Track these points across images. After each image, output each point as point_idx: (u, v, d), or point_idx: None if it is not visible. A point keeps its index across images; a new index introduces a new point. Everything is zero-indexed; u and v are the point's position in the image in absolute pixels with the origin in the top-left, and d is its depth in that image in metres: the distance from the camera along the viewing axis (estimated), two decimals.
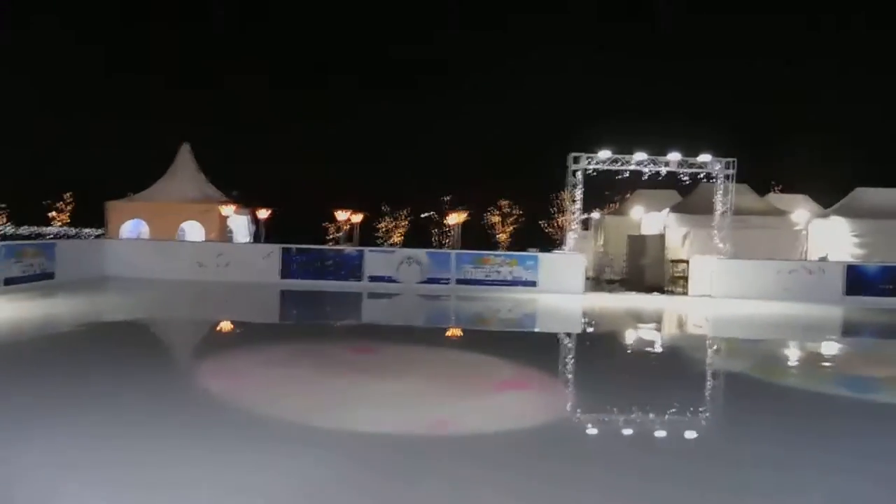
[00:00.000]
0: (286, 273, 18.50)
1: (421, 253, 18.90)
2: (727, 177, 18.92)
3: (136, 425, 5.79)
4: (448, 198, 44.80)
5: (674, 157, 18.65)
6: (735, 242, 20.44)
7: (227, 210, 25.48)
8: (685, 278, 21.41)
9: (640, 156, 18.67)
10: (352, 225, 29.41)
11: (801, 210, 25.13)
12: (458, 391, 7.63)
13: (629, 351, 12.10)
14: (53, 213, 42.44)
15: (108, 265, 17.92)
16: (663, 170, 18.91)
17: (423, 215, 42.54)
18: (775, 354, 11.85)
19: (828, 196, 28.02)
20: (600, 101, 53.44)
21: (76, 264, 16.54)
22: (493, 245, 41.32)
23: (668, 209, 25.58)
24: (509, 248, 37.17)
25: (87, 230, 39.11)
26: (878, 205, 24.85)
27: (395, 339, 11.87)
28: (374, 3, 66.28)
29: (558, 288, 18.38)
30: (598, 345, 12.61)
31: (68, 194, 42.15)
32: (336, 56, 67.69)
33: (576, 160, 19.04)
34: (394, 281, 18.45)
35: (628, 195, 33.50)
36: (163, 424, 5.87)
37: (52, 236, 36.89)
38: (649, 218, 26.75)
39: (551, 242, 42.98)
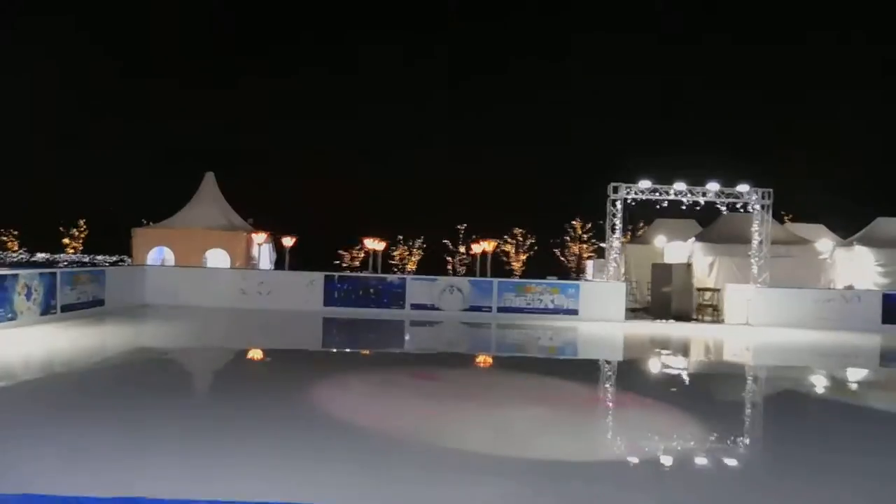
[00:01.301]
0: (329, 301, 18.52)
1: (463, 281, 18.99)
2: (763, 206, 19.14)
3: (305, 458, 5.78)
4: (463, 226, 45.23)
5: (712, 186, 18.89)
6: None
7: (259, 238, 25.51)
8: (713, 307, 21.59)
9: (679, 185, 18.90)
10: (374, 252, 29.45)
11: (824, 239, 25.43)
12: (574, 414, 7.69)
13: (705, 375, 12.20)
14: (66, 240, 42.31)
15: (148, 292, 17.90)
16: (702, 199, 19.14)
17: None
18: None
19: (840, 226, 28.46)
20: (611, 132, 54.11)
21: (123, 291, 16.53)
22: (508, 273, 41.52)
23: (693, 238, 25.85)
24: (522, 276, 37.36)
25: (99, 257, 39.03)
26: None
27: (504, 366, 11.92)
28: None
29: (599, 316, 18.47)
30: (653, 367, 12.71)
31: (82, 221, 42.10)
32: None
33: (615, 190, 19.25)
34: (436, 308, 18.50)
35: (641, 224, 33.79)
36: (332, 457, 5.85)
37: (66, 263, 36.76)
38: (672, 247, 26.98)
39: (566, 271, 43.30)
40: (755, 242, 19.53)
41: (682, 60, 61.88)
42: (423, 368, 11.13)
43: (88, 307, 14.75)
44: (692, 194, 19.12)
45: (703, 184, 19.01)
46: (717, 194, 19.09)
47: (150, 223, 30.84)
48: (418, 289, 18.73)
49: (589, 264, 34.95)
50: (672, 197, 19.13)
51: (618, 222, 19.56)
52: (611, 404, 9.23)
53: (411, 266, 43.78)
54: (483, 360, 13.25)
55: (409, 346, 15.58)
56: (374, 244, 28.71)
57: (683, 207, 19.37)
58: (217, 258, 27.39)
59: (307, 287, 18.61)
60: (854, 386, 11.97)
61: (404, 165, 57.11)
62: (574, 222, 45.09)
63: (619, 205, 19.35)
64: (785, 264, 22.34)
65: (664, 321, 19.79)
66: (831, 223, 29.85)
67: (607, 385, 10.81)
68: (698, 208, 19.66)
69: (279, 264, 30.12)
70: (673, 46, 64.07)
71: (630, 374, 12.19)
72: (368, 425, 7.00)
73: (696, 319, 20.58)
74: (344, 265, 41.86)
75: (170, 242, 27.07)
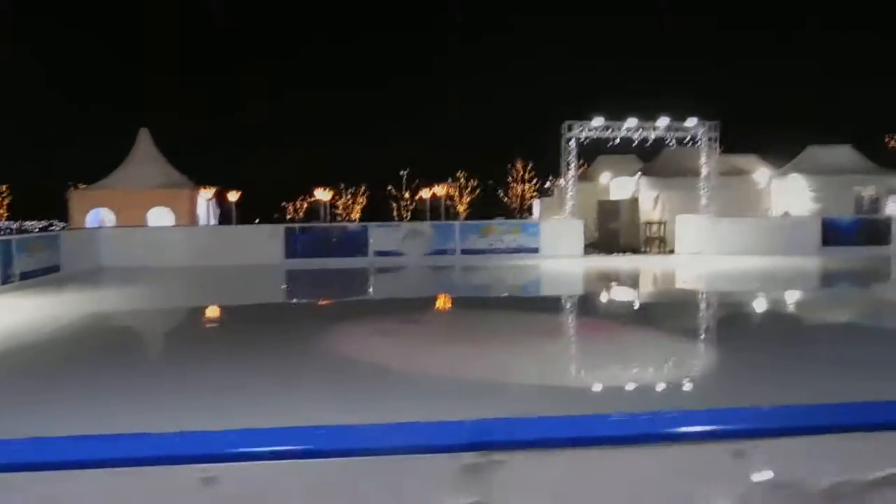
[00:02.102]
0: (291, 253, 18.30)
1: (425, 225, 19.07)
2: (711, 139, 19.79)
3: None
4: (405, 171, 44.97)
5: (662, 121, 19.37)
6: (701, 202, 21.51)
7: (207, 194, 24.82)
8: (660, 238, 22.45)
9: (631, 122, 19.30)
10: (323, 203, 29.17)
11: (762, 169, 26.56)
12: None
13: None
14: None
15: (104, 255, 17.27)
16: (652, 135, 19.63)
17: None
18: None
19: (772, 156, 29.69)
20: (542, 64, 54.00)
21: (78, 256, 15.90)
22: (454, 216, 41.74)
23: (639, 173, 26.57)
24: (467, 219, 37.71)
25: (29, 223, 37.17)
26: (829, 162, 26.60)
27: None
28: None
29: (560, 253, 18.90)
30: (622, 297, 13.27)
31: (4, 186, 39.80)
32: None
33: (569, 128, 19.51)
34: (400, 254, 18.55)
35: (582, 162, 34.28)
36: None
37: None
38: (616, 183, 27.63)
39: (510, 212, 43.86)
40: (703, 174, 20.21)
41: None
42: (408, 314, 11.25)
43: (45, 273, 14.15)
44: (643, 129, 19.57)
45: (654, 119, 19.46)
46: (667, 129, 19.60)
47: (80, 185, 29.53)
48: (381, 235, 18.70)
49: (535, 203, 35.51)
50: (624, 133, 19.54)
51: (572, 160, 19.89)
52: (595, 331, 9.60)
53: (356, 215, 43.42)
54: (460, 301, 13.46)
55: (383, 293, 15.64)
56: (323, 194, 28.39)
57: (634, 143, 19.82)
58: (160, 217, 26.53)
59: (268, 240, 18.34)
60: (800, 301, 12.87)
61: (342, 111, 55.94)
62: (517, 163, 45.56)
63: (573, 143, 19.65)
64: (724, 195, 23.32)
65: (619, 254, 20.41)
66: (764, 154, 31.01)
67: (588, 315, 11.24)
68: (647, 144, 20.16)
69: (225, 220, 29.49)
70: None
71: (607, 305, 12.70)
72: (383, 364, 7.15)
73: (644, 252, 21.27)
74: (287, 217, 41.16)
75: (109, 203, 26.00)
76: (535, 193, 45.51)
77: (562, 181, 33.17)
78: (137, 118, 32.41)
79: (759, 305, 12.39)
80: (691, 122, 19.44)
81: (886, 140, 37.87)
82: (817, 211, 24.69)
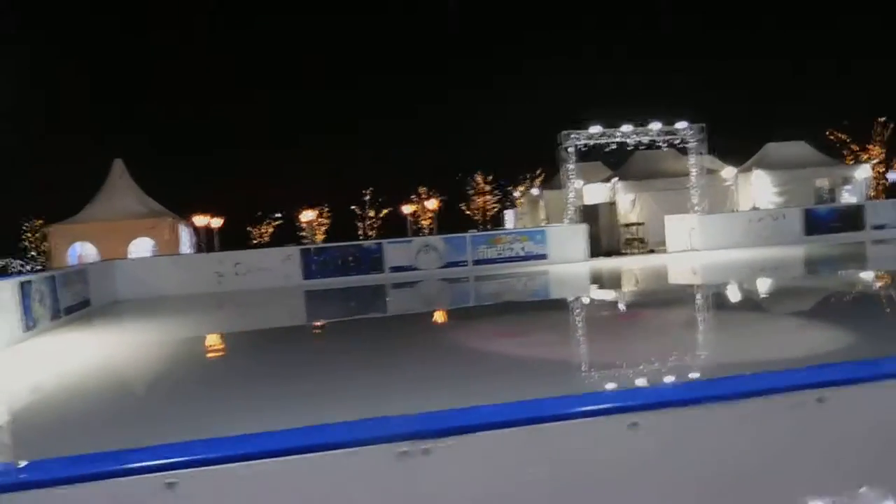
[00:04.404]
0: (308, 274, 18.39)
1: (437, 240, 19.47)
2: (699, 141, 20.94)
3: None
4: (369, 191, 45.11)
5: (654, 125, 20.41)
6: (673, 202, 22.68)
7: (197, 221, 24.46)
8: (639, 239, 23.55)
9: (626, 128, 20.27)
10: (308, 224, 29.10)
11: (728, 167, 28.16)
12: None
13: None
14: None
15: (120, 287, 16.96)
16: (645, 139, 20.65)
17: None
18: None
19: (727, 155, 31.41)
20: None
21: (101, 289, 15.60)
22: (417, 232, 42.11)
23: (615, 178, 27.75)
24: (430, 234, 38.21)
25: None
26: (787, 157, 28.46)
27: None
28: None
29: (565, 258, 19.63)
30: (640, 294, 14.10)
31: None
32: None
33: (566, 137, 20.34)
34: (414, 269, 18.88)
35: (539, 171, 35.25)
36: None
37: None
38: (588, 189, 28.71)
39: (474, 225, 44.56)
40: (693, 174, 21.33)
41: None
42: (489, 325, 11.76)
43: (81, 308, 13.89)
44: (636, 135, 20.58)
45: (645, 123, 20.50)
46: (658, 133, 20.66)
47: (43, 220, 28.50)
48: (395, 252, 19.01)
49: (508, 214, 36.40)
50: (618, 139, 20.50)
51: (571, 167, 20.70)
52: (644, 317, 10.51)
53: (320, 237, 43.24)
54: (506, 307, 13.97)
55: (436, 305, 15.77)
56: (306, 216, 28.35)
57: (629, 148, 20.80)
58: (142, 248, 25.98)
59: (283, 262, 18.37)
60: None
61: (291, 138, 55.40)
62: (477, 176, 46.38)
63: (570, 150, 20.48)
64: (696, 194, 24.64)
65: (608, 257, 20.94)
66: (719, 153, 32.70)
67: (626, 307, 12.05)
68: (641, 147, 21.18)
69: (203, 248, 29.02)
70: None
71: (641, 296, 13.51)
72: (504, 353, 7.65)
73: (624, 253, 22.07)
74: (254, 241, 40.65)
75: (90, 237, 25.31)
76: (496, 205, 46.53)
77: (535, 190, 34.30)
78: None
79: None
80: (681, 124, 20.55)
81: (828, 133, 40.53)
82: (781, 204, 26.38)
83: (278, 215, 41.30)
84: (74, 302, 13.55)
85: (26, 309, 10.87)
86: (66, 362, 9.47)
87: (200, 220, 24.84)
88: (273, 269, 18.28)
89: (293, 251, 18.57)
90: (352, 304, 15.84)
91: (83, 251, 25.68)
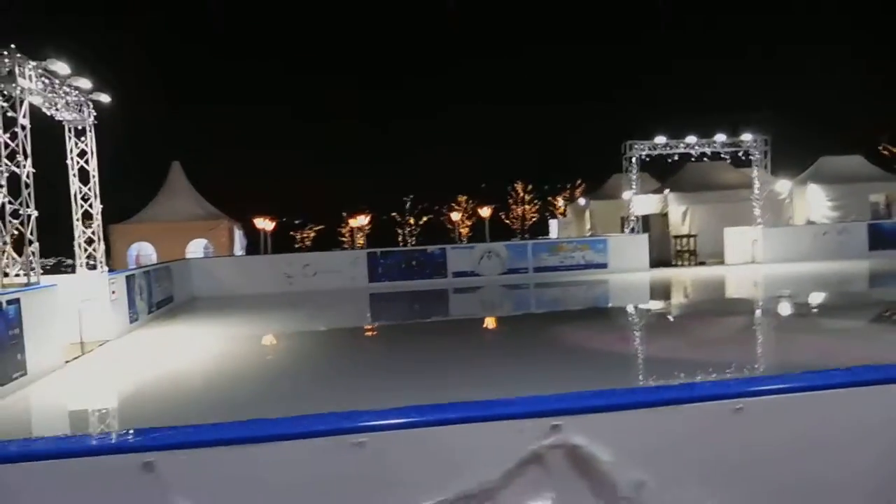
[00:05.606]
0: (373, 277, 18.61)
1: (500, 246, 19.61)
2: (763, 153, 20.86)
3: None
4: (410, 198, 45.31)
5: (720, 137, 20.38)
6: (727, 214, 22.55)
7: (257, 223, 24.87)
8: (690, 251, 23.44)
9: (690, 139, 20.27)
10: (354, 229, 29.42)
11: (783, 181, 27.96)
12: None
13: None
14: None
15: (195, 285, 17.33)
16: (708, 150, 20.63)
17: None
18: None
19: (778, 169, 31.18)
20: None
21: (180, 286, 15.95)
22: (454, 240, 42.28)
23: (667, 189, 27.67)
24: (470, 241, 38.34)
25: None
26: (841, 171, 28.18)
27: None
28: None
29: (626, 267, 19.65)
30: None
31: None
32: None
33: (630, 147, 20.38)
34: (476, 275, 19.02)
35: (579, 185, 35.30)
36: None
37: None
38: (637, 200, 28.63)
39: (512, 233, 44.63)
40: (756, 186, 21.24)
41: None
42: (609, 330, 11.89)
43: (167, 303, 14.23)
44: (699, 146, 20.57)
45: (710, 136, 20.48)
46: (722, 144, 20.63)
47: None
48: (457, 257, 19.17)
49: (552, 223, 36.39)
50: (682, 150, 20.51)
51: (634, 178, 20.73)
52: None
53: (361, 241, 43.56)
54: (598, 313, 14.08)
55: (544, 307, 16.03)
56: (357, 221, 28.66)
57: (692, 159, 20.78)
58: (198, 249, 26.45)
59: (351, 265, 18.63)
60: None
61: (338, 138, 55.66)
62: (516, 185, 46.48)
63: (634, 161, 20.52)
64: (749, 206, 24.53)
65: (660, 268, 20.83)
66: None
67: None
68: (706, 159, 21.14)
69: (252, 250, 29.43)
70: None
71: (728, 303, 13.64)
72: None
73: (675, 265, 21.99)
74: (296, 246, 41.05)
75: (150, 238, 25.81)
76: (535, 214, 46.58)
77: (581, 200, 34.28)
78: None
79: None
80: (746, 136, 20.49)
81: (881, 148, 40.02)
82: (835, 218, 26.11)
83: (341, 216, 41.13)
84: (163, 297, 13.88)
85: (131, 302, 11.17)
86: (190, 349, 10.04)
87: (260, 222, 25.11)
88: (342, 270, 18.54)
89: (360, 254, 18.83)
90: (444, 305, 16.37)
91: (141, 251, 26.22)
